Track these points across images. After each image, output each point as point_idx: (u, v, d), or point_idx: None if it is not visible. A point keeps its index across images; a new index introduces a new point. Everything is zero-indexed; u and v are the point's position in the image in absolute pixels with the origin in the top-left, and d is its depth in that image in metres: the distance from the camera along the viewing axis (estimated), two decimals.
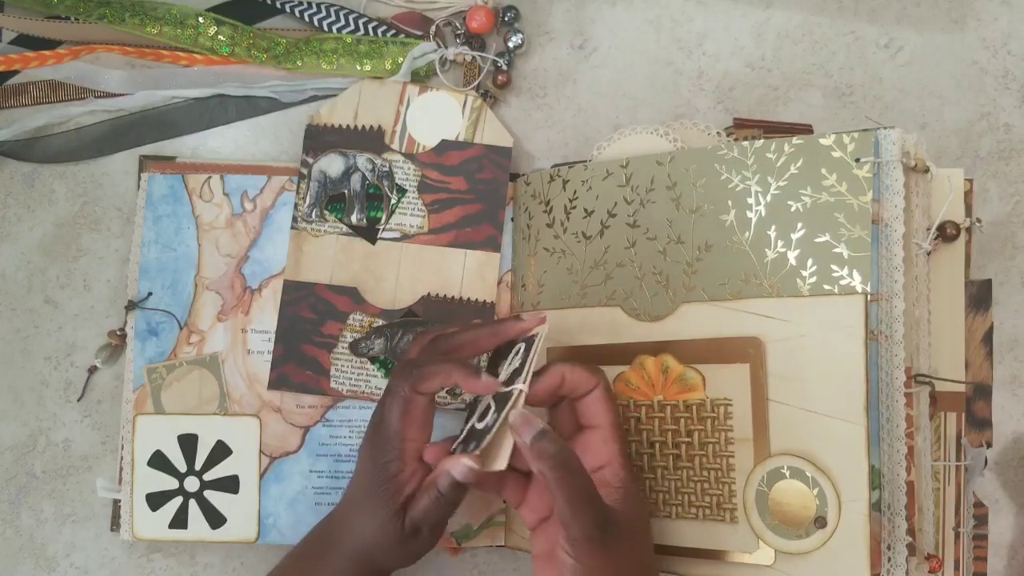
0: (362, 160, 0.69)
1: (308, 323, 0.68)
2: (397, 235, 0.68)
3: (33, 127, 0.75)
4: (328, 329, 0.68)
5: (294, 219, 0.69)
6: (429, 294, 0.68)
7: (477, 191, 0.68)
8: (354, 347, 0.67)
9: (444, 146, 0.69)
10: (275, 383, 0.68)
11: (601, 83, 0.72)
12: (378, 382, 0.67)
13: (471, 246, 0.68)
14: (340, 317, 0.68)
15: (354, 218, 0.69)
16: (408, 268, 0.68)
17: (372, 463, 0.57)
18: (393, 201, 0.69)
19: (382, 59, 0.72)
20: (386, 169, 0.69)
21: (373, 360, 0.68)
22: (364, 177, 0.68)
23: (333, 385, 0.67)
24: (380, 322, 0.68)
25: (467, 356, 0.59)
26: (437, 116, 0.69)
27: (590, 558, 0.51)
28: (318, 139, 0.69)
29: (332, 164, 0.69)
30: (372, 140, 0.69)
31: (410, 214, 0.69)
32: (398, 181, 0.69)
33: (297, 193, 0.69)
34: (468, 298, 0.68)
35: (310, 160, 0.69)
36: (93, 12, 0.74)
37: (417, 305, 0.68)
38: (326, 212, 0.69)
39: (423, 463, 0.57)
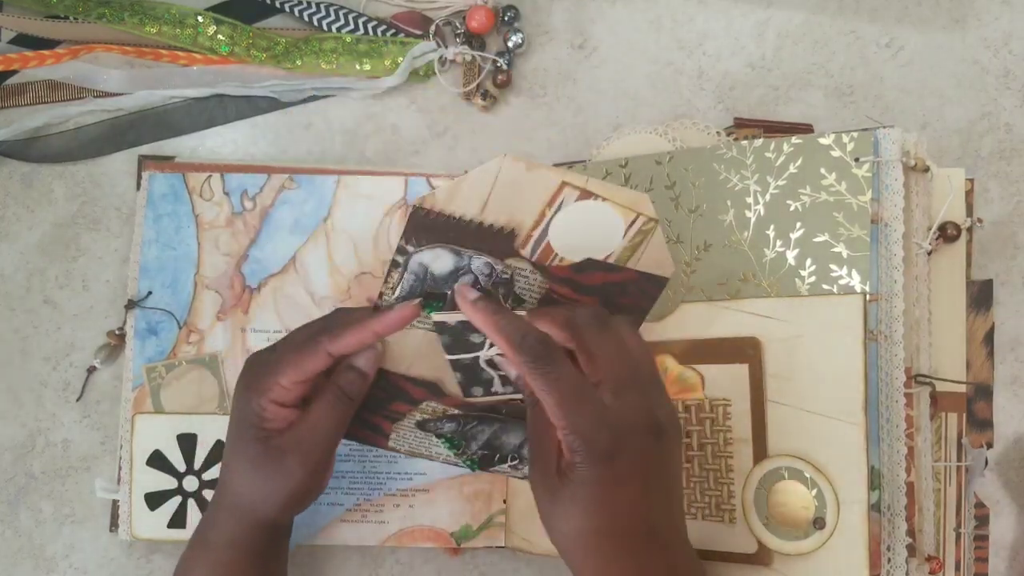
0: (478, 263, 0.55)
1: (375, 400, 0.60)
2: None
3: (32, 127, 0.75)
4: (396, 407, 0.60)
5: (376, 307, 0.57)
6: (513, 399, 0.60)
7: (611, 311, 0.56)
8: (422, 425, 0.61)
9: (588, 264, 0.55)
10: None
11: (601, 83, 0.72)
12: (439, 449, 0.62)
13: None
14: (413, 402, 0.60)
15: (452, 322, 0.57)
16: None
17: (245, 401, 0.56)
18: None
19: (381, 59, 0.72)
20: (506, 276, 0.55)
21: (439, 436, 0.61)
22: (476, 280, 0.56)
23: (391, 444, 0.62)
24: (454, 411, 0.60)
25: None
26: (592, 228, 0.55)
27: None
28: (426, 226, 0.54)
29: (439, 261, 0.55)
30: (499, 242, 0.55)
31: None
32: (517, 291, 0.56)
33: (385, 282, 0.56)
34: None
35: (409, 248, 0.55)
36: (92, 11, 0.74)
37: (502, 405, 0.60)
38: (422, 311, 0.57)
39: (291, 409, 0.56)
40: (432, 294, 0.56)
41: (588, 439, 0.48)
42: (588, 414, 0.49)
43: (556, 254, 0.55)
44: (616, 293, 0.56)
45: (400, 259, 0.56)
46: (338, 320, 0.56)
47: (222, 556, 0.57)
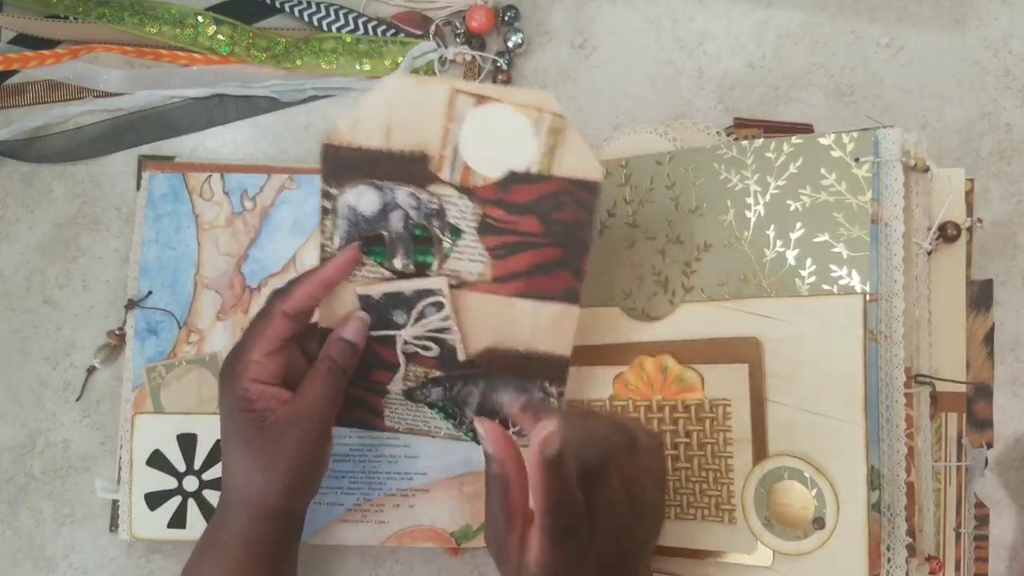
0: (403, 195, 0.54)
1: (354, 374, 0.58)
2: (453, 282, 0.56)
3: (32, 127, 0.75)
4: (377, 376, 0.59)
5: (322, 262, 0.56)
6: (493, 347, 0.58)
7: (554, 233, 0.55)
8: (409, 394, 0.60)
9: (511, 179, 0.54)
10: None
11: (601, 83, 0.72)
12: (437, 422, 0.61)
13: (543, 297, 0.56)
14: (390, 368, 0.59)
15: (398, 263, 0.56)
16: (466, 318, 0.57)
17: (229, 389, 0.56)
18: (447, 245, 0.56)
19: (382, 59, 0.72)
20: (435, 206, 0.55)
21: (431, 406, 0.60)
22: (407, 216, 0.55)
23: (388, 423, 0.61)
24: (437, 373, 0.59)
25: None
26: (501, 138, 0.53)
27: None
28: (340, 164, 0.54)
29: (364, 199, 0.55)
30: (413, 168, 0.54)
31: (468, 259, 0.56)
32: (451, 220, 0.55)
33: (321, 232, 0.56)
34: (539, 352, 0.57)
35: (333, 191, 0.55)
36: (92, 11, 0.74)
37: (478, 357, 0.58)
38: (363, 256, 0.57)
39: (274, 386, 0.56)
40: (371, 238, 0.56)
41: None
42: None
43: (477, 173, 0.54)
44: (552, 208, 0.54)
45: (328, 204, 0.55)
46: (289, 282, 0.57)
47: (232, 555, 0.57)
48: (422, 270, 0.56)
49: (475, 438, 0.60)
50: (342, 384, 0.56)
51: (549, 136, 0.53)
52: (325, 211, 0.55)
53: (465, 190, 0.54)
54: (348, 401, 0.59)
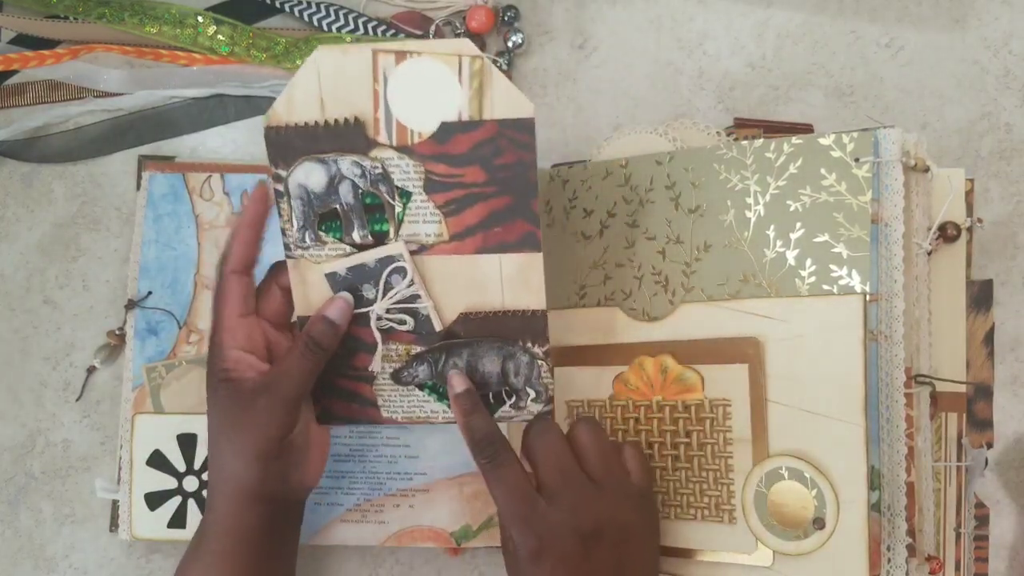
0: (346, 165, 0.55)
1: (336, 357, 0.58)
2: (413, 247, 0.56)
3: (32, 127, 0.75)
4: (360, 362, 0.59)
5: (287, 247, 0.57)
6: (467, 311, 0.57)
7: (499, 180, 0.55)
8: (396, 377, 0.59)
9: (445, 130, 0.54)
10: (322, 417, 0.60)
11: (601, 83, 0.72)
12: (432, 405, 0.60)
13: (504, 248, 0.56)
14: (369, 349, 0.59)
15: (357, 236, 0.57)
16: (436, 286, 0.57)
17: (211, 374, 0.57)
18: (399, 209, 0.56)
19: None
20: (379, 171, 0.55)
21: (421, 387, 0.60)
22: (355, 185, 0.55)
23: (386, 415, 0.60)
24: (418, 348, 0.59)
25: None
26: (427, 91, 0.53)
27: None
28: (283, 145, 0.55)
29: (311, 175, 0.55)
30: (352, 137, 0.55)
31: (423, 221, 0.56)
32: (398, 183, 0.55)
33: (280, 216, 0.56)
34: (513, 309, 0.57)
35: (282, 173, 0.55)
36: (92, 11, 0.74)
37: (456, 326, 0.58)
38: (321, 233, 0.57)
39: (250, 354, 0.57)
40: (325, 213, 0.56)
41: (520, 537, 0.53)
42: (522, 515, 0.53)
43: (411, 130, 0.54)
44: (492, 154, 0.54)
45: (280, 188, 0.56)
46: (224, 245, 0.59)
47: (219, 544, 0.57)
48: (380, 239, 0.57)
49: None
50: (320, 362, 0.56)
51: (473, 80, 0.53)
52: (279, 194, 0.56)
53: (404, 149, 0.55)
54: (342, 396, 0.60)
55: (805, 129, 0.66)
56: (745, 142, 0.58)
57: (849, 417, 0.53)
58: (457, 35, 0.72)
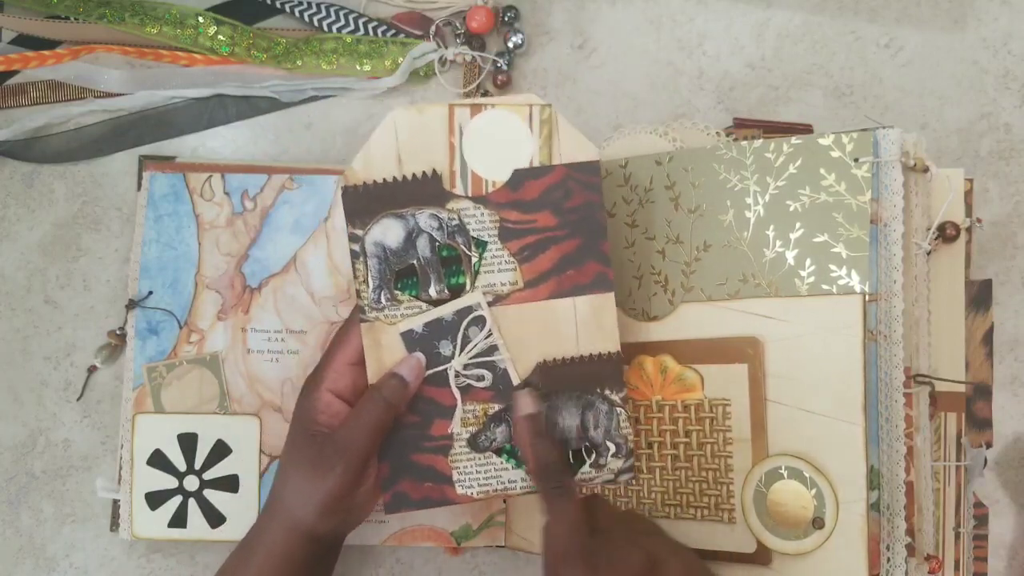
0: (424, 218, 0.56)
1: (412, 428, 0.58)
2: (490, 299, 0.57)
3: (33, 127, 0.75)
4: (437, 429, 0.58)
5: (361, 310, 0.57)
6: (544, 361, 0.57)
7: (570, 223, 0.56)
8: (473, 443, 0.57)
9: (518, 178, 0.56)
10: (393, 506, 0.58)
11: (601, 83, 0.72)
12: (510, 474, 0.58)
13: (578, 291, 0.57)
14: (446, 412, 0.58)
15: (433, 291, 0.57)
16: (512, 336, 0.57)
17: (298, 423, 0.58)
18: (475, 260, 0.57)
19: (382, 59, 0.72)
20: (456, 222, 0.56)
21: (498, 452, 0.58)
22: (432, 239, 0.56)
23: (460, 491, 0.58)
24: (496, 407, 0.58)
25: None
26: (500, 140, 0.57)
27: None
28: (360, 203, 0.56)
29: (388, 232, 0.56)
30: (429, 190, 0.56)
31: (498, 270, 0.57)
32: (474, 234, 0.57)
33: (355, 277, 0.57)
34: (589, 354, 0.57)
35: (359, 233, 0.56)
36: (93, 12, 0.74)
37: (533, 377, 0.57)
38: (397, 292, 0.57)
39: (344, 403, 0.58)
40: (401, 271, 0.57)
41: (573, 571, 0.51)
42: (580, 551, 0.52)
43: (485, 179, 0.57)
44: (562, 197, 0.56)
45: (356, 247, 0.57)
46: None
47: (263, 564, 0.58)
48: (457, 292, 0.57)
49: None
50: (388, 417, 0.56)
51: (543, 127, 0.56)
52: (355, 254, 0.57)
53: (479, 199, 0.57)
54: (415, 475, 0.58)
55: (804, 129, 0.66)
56: (745, 142, 0.58)
57: (848, 417, 0.53)
58: (457, 35, 0.72)
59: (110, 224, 0.74)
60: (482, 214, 0.57)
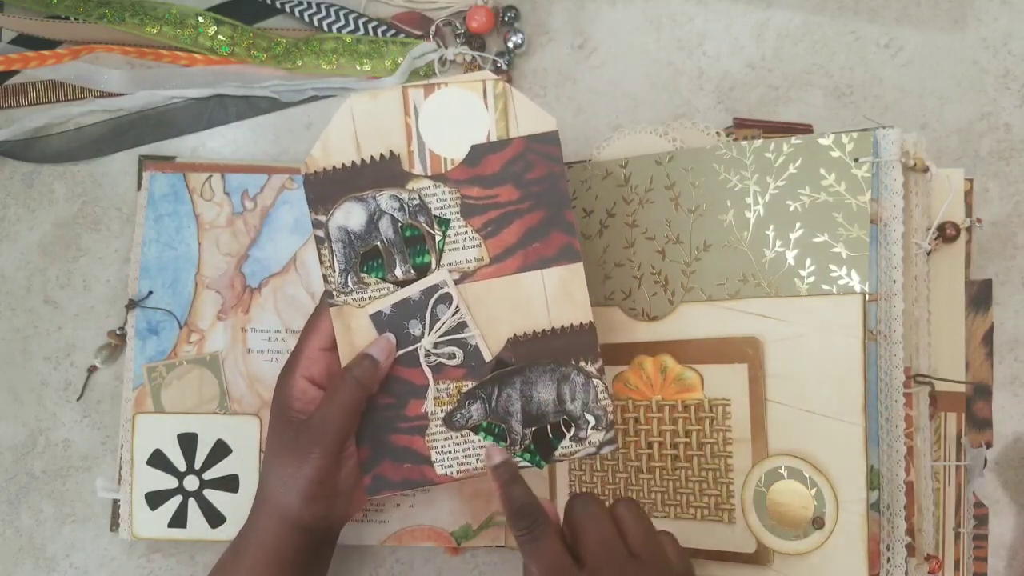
0: (385, 200, 0.57)
1: (387, 409, 0.58)
2: (456, 276, 0.57)
3: (33, 127, 0.75)
4: (412, 410, 0.57)
5: (329, 295, 0.57)
6: (515, 336, 0.57)
7: (532, 195, 0.56)
8: (449, 422, 0.57)
9: (476, 153, 0.56)
10: (374, 489, 0.58)
11: (601, 83, 0.72)
12: None
13: (545, 264, 0.56)
14: (420, 392, 0.57)
15: (399, 272, 0.57)
16: (481, 312, 0.57)
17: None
18: (438, 238, 0.57)
19: (382, 59, 0.72)
20: (416, 202, 0.56)
21: (475, 430, 0.57)
22: (394, 220, 0.57)
23: (440, 471, 0.57)
24: (469, 384, 0.57)
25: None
26: (457, 118, 0.57)
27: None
28: (322, 189, 0.57)
29: (351, 216, 0.57)
30: (388, 171, 0.57)
31: (463, 247, 0.57)
32: (436, 212, 0.57)
33: (321, 262, 0.57)
34: (561, 326, 0.56)
35: (322, 218, 0.57)
36: (93, 12, 0.74)
37: (505, 352, 0.57)
38: (364, 275, 0.57)
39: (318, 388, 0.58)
40: (366, 254, 0.57)
41: None
42: None
43: (444, 157, 0.57)
44: (522, 170, 0.56)
45: (320, 233, 0.57)
46: None
47: (255, 556, 0.58)
48: (423, 271, 0.57)
49: (533, 459, 0.57)
50: (360, 399, 0.56)
51: (498, 101, 0.56)
52: (319, 240, 0.57)
53: (439, 177, 0.57)
54: (394, 456, 0.58)
55: (805, 129, 0.66)
56: (745, 142, 0.58)
57: (848, 417, 0.53)
58: (457, 35, 0.72)
59: (110, 224, 0.74)
60: (443, 192, 0.57)
